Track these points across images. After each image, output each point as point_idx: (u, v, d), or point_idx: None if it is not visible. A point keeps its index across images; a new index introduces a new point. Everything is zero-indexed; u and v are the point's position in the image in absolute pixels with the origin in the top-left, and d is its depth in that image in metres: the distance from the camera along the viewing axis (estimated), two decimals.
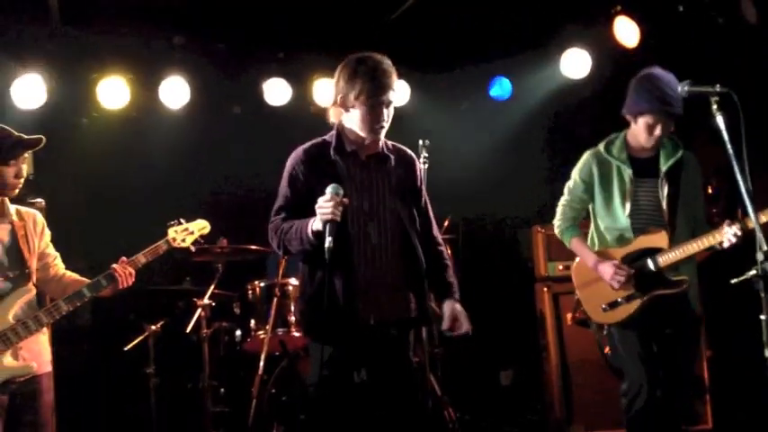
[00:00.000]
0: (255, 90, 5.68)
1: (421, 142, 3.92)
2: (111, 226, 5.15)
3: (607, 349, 3.79)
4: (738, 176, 2.52)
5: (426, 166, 3.99)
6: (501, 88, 5.98)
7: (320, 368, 2.91)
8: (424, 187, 3.17)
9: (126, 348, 4.62)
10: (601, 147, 3.73)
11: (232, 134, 5.77)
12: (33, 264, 3.23)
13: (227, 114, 5.87)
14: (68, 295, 3.20)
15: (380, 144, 3.02)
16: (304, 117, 5.61)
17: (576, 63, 5.53)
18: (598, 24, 5.27)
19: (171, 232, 3.41)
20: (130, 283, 3.27)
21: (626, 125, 3.68)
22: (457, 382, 4.92)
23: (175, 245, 3.40)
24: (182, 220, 3.44)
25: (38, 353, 3.18)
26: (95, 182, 5.40)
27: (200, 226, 3.50)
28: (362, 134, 2.94)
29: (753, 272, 2.48)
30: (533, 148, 5.86)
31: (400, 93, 2.95)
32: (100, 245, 4.94)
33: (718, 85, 2.63)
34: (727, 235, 3.39)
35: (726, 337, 4.88)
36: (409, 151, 3.16)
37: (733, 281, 2.57)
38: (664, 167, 3.61)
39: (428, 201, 3.18)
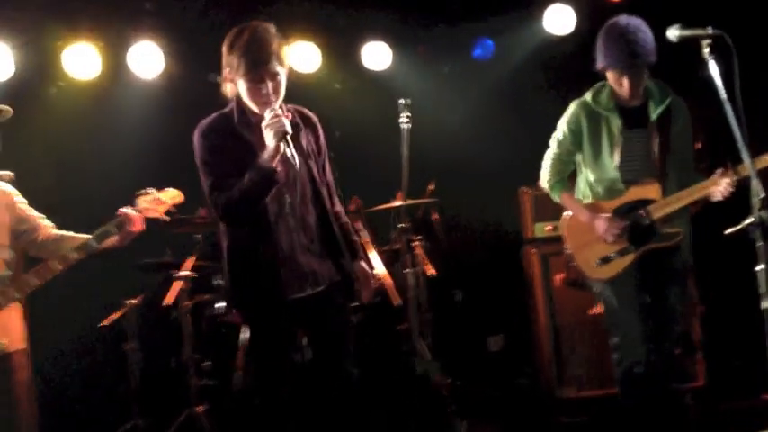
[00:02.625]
0: None
1: (402, 101, 3.83)
2: (82, 198, 5.01)
3: (600, 306, 3.74)
4: (733, 124, 2.41)
5: (409, 126, 3.91)
6: (483, 49, 5.85)
7: (260, 343, 2.95)
8: (326, 147, 3.12)
9: (102, 324, 4.48)
10: (588, 97, 3.63)
11: (209, 103, 5.58)
12: (4, 237, 3.09)
13: (204, 82, 5.68)
14: (36, 267, 3.07)
15: (292, 116, 2.93)
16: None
17: (559, 18, 5.39)
18: None
19: (141, 202, 3.30)
20: (141, 228, 3.20)
21: None
22: (446, 347, 4.85)
23: (147, 215, 3.29)
24: (151, 190, 3.33)
25: (10, 329, 3.08)
26: (65, 154, 5.24)
27: (172, 195, 3.40)
28: (251, 107, 2.88)
29: (749, 220, 2.38)
30: (518, 108, 5.74)
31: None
32: (71, 218, 4.80)
33: (709, 28, 2.51)
34: (721, 185, 3.31)
35: (717, 291, 4.84)
36: (311, 114, 3.11)
37: (728, 231, 2.47)
38: (653, 116, 3.53)
39: (329, 160, 3.15)
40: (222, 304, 4.71)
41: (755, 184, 2.37)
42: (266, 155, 2.78)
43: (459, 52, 5.86)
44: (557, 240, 4.56)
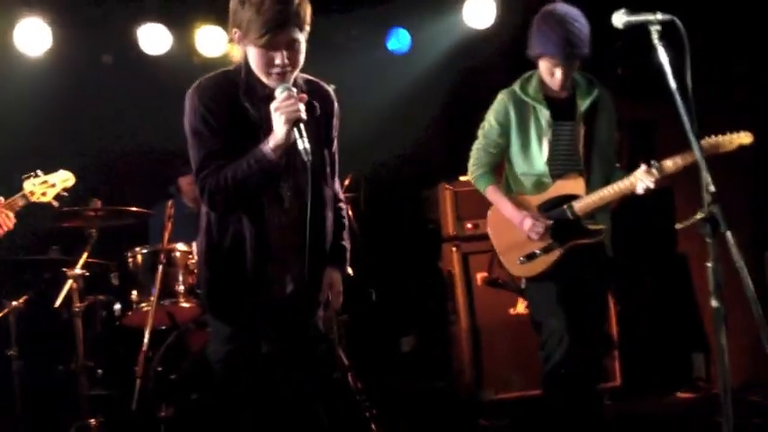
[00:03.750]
0: (129, 37, 5.12)
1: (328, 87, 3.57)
2: None
3: (524, 306, 3.64)
4: (684, 116, 2.31)
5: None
6: (399, 41, 5.68)
7: (226, 343, 2.55)
8: (336, 132, 2.68)
9: None
10: (516, 87, 3.53)
11: (103, 85, 5.21)
12: None
13: (96, 63, 5.28)
14: None
15: (305, 95, 2.45)
16: (189, 68, 5.12)
17: (479, 12, 5.28)
18: None
19: (27, 185, 2.98)
20: (10, 226, 2.88)
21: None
22: (358, 349, 4.65)
23: (34, 199, 2.98)
24: (39, 172, 3.01)
25: None
26: None
27: (63, 177, 3.09)
28: (262, 78, 2.44)
29: (699, 215, 2.28)
30: (436, 104, 5.62)
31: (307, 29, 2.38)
32: None
33: (659, 13, 2.40)
34: (644, 180, 3.26)
35: (631, 289, 4.88)
36: (328, 87, 2.66)
37: (678, 225, 2.36)
38: (581, 109, 3.46)
39: (335, 147, 2.70)
40: (118, 306, 4.33)
41: (706, 177, 2.27)
42: (272, 142, 2.35)
43: (376, 42, 5.65)
44: (478, 238, 4.50)
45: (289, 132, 2.32)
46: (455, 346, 4.77)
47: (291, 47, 2.37)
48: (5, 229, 2.86)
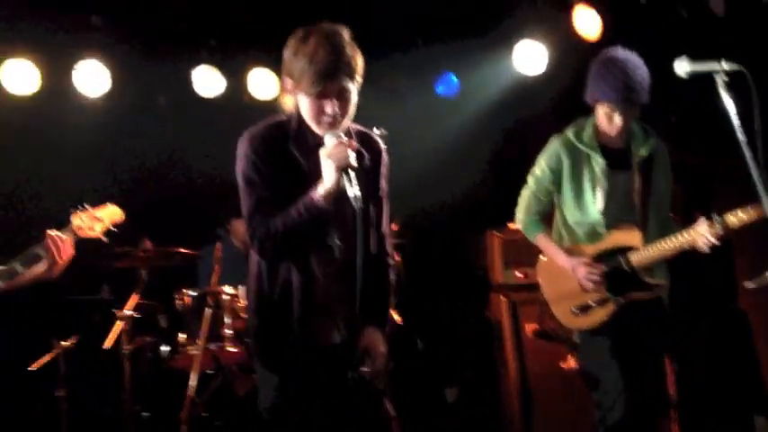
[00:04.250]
0: (184, 79, 5.21)
1: (376, 131, 3.56)
2: (18, 222, 4.72)
3: (576, 360, 3.53)
4: (753, 169, 2.23)
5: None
6: (447, 85, 5.69)
7: (273, 391, 2.51)
8: (385, 182, 2.64)
9: (32, 368, 4.05)
10: (570, 133, 3.45)
11: (157, 126, 5.30)
12: None
13: (151, 105, 5.39)
14: None
15: (355, 144, 2.46)
16: (240, 109, 5.19)
17: (530, 57, 5.27)
18: (553, 14, 5.03)
19: (76, 221, 2.88)
20: (70, 253, 2.77)
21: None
22: (403, 398, 4.57)
23: (82, 234, 2.87)
24: (87, 206, 2.93)
25: None
26: (1, 174, 4.84)
27: (111, 212, 2.99)
28: (313, 128, 2.45)
29: None
30: (485, 149, 5.58)
31: (359, 80, 2.36)
32: (6, 241, 4.46)
33: (724, 62, 2.34)
34: (705, 236, 3.15)
35: (689, 346, 4.72)
36: (378, 138, 2.64)
37: (748, 284, 2.27)
38: (636, 158, 3.39)
39: (387, 204, 2.68)
40: (167, 348, 4.33)
41: None
42: (322, 190, 2.36)
43: (425, 87, 5.67)
44: (527, 288, 4.41)
45: (338, 179, 2.33)
46: (503, 399, 4.67)
47: (342, 96, 2.39)
48: (67, 256, 2.76)
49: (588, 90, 3.36)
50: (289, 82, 2.43)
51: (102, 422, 4.33)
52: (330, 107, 2.38)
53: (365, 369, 2.59)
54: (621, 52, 3.31)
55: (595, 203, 3.36)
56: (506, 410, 4.65)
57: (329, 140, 2.36)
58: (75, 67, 4.91)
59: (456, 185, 5.53)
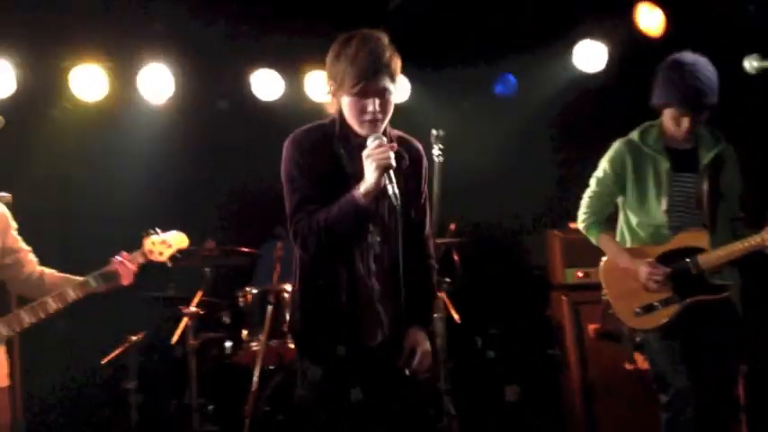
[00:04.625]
0: (243, 82, 5.31)
1: (434, 132, 3.58)
2: (83, 225, 4.82)
3: (641, 361, 3.48)
4: None
5: (441, 159, 3.66)
6: (505, 85, 5.67)
7: (315, 386, 2.58)
8: (425, 186, 2.74)
9: (103, 362, 4.19)
10: (635, 135, 3.45)
11: (218, 129, 5.41)
12: None
13: (212, 108, 5.50)
14: (31, 304, 2.84)
15: (395, 146, 2.56)
16: (298, 113, 5.25)
17: (590, 55, 5.22)
18: (615, 12, 4.97)
19: (147, 243, 3.13)
20: (131, 280, 3.06)
21: (651, 119, 3.42)
22: (463, 397, 4.57)
23: (152, 257, 3.13)
24: (158, 231, 3.15)
25: None
26: (68, 178, 5.05)
27: (179, 239, 3.22)
28: (354, 127, 2.55)
29: None
30: (543, 149, 5.55)
31: (400, 79, 2.51)
32: (71, 244, 4.61)
33: None
34: None
35: (759, 347, 4.59)
36: (417, 143, 2.73)
37: None
38: (704, 161, 3.36)
39: (429, 203, 2.77)
40: (230, 343, 4.42)
41: None
42: (363, 188, 2.45)
43: (482, 87, 5.66)
44: (588, 287, 4.38)
45: (379, 178, 2.43)
46: (565, 400, 4.62)
47: (382, 95, 2.49)
48: (127, 283, 3.04)
49: (656, 95, 3.35)
50: (332, 84, 2.54)
51: (168, 414, 4.43)
52: (372, 106, 2.47)
53: (411, 368, 2.61)
54: (689, 55, 3.30)
55: (660, 205, 3.34)
56: (568, 410, 4.60)
57: (371, 142, 2.46)
58: (140, 72, 5.00)
59: (515, 185, 5.50)
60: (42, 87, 4.90)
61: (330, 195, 2.49)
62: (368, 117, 2.49)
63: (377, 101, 2.48)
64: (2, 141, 3.23)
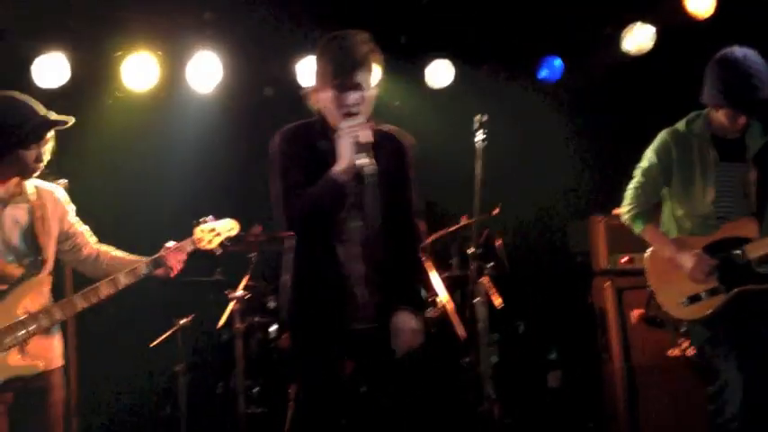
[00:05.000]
0: (289, 71, 5.36)
1: (477, 117, 3.61)
2: (135, 210, 4.93)
3: (690, 349, 3.44)
4: None
5: (485, 143, 3.68)
6: (550, 69, 5.60)
7: (305, 364, 2.77)
8: (412, 172, 2.87)
9: (152, 344, 4.33)
10: (680, 125, 3.41)
11: (264, 116, 5.47)
12: (50, 250, 2.96)
13: (259, 95, 5.57)
14: (84, 290, 2.93)
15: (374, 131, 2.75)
16: None
17: (638, 38, 5.13)
18: None
19: (197, 232, 3.18)
20: (180, 268, 3.12)
21: (697, 103, 3.35)
22: (505, 382, 4.58)
23: (201, 246, 3.17)
24: (208, 219, 3.20)
25: (47, 348, 2.90)
26: (120, 165, 5.16)
27: (228, 227, 3.25)
28: (336, 120, 2.70)
29: None
30: (588, 134, 5.48)
31: (376, 74, 2.70)
32: (124, 230, 4.72)
33: None
34: None
35: None
36: (401, 135, 2.89)
37: None
38: (753, 150, 3.30)
39: (415, 190, 2.88)
40: (275, 327, 4.51)
41: None
42: (339, 165, 2.64)
43: (527, 72, 5.61)
44: (632, 273, 4.34)
45: (352, 154, 2.59)
46: (607, 387, 4.60)
47: (359, 88, 2.66)
48: (176, 272, 3.10)
49: (708, 93, 3.29)
50: (316, 81, 2.74)
51: (215, 396, 4.55)
52: (350, 98, 2.65)
53: (396, 348, 2.73)
54: (739, 51, 3.24)
55: (706, 195, 3.30)
56: (610, 396, 4.57)
57: (345, 123, 2.64)
58: (189, 61, 5.06)
59: (559, 170, 5.46)
60: (94, 76, 5.01)
61: (314, 182, 2.65)
62: (346, 110, 2.65)
63: (355, 94, 2.65)
64: (58, 129, 3.32)
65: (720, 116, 3.30)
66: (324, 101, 2.73)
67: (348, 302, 2.70)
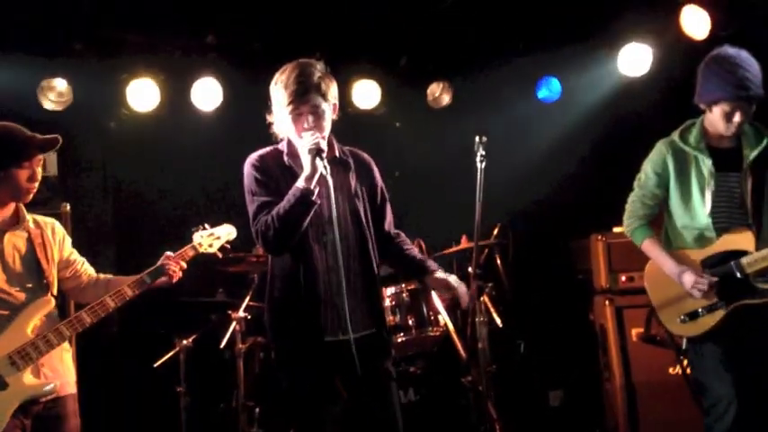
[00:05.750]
0: None
1: (477, 138, 3.64)
2: (139, 231, 5.00)
3: (687, 365, 3.44)
4: None
5: (484, 164, 3.71)
6: (549, 89, 5.65)
7: (289, 382, 2.87)
8: (382, 189, 3.09)
9: (156, 365, 4.34)
10: (675, 136, 3.40)
11: (266, 139, 5.51)
12: (52, 274, 3.01)
13: (262, 118, 5.61)
14: (91, 305, 2.96)
15: (335, 149, 2.96)
16: (343, 121, 5.32)
17: (635, 59, 5.17)
18: (660, 15, 4.92)
19: (196, 237, 3.25)
20: (180, 275, 3.16)
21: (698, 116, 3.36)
22: (506, 401, 4.58)
23: (202, 250, 3.23)
24: (206, 225, 3.29)
25: (61, 373, 2.95)
26: (124, 186, 5.23)
27: (227, 231, 3.32)
28: (297, 142, 2.89)
29: None
30: (587, 153, 5.52)
31: (330, 96, 2.87)
32: (128, 250, 4.76)
33: None
34: None
35: None
36: (365, 155, 3.11)
37: None
38: (748, 159, 3.29)
39: (387, 201, 3.12)
40: None
41: None
42: (302, 174, 2.79)
43: (526, 91, 5.66)
44: (632, 292, 4.35)
45: (313, 160, 2.75)
46: (608, 405, 4.60)
47: (315, 112, 2.83)
48: (176, 279, 3.14)
49: (701, 92, 3.29)
50: (275, 109, 2.91)
51: (217, 416, 4.55)
52: (306, 122, 2.82)
53: (460, 298, 3.00)
54: (731, 49, 3.26)
55: (704, 206, 3.29)
56: (611, 415, 4.57)
57: (303, 136, 2.82)
58: (191, 83, 5.11)
59: (559, 189, 5.49)
60: (100, 100, 5.07)
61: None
62: (305, 133, 2.81)
63: (310, 117, 2.81)
64: (61, 153, 3.37)
65: (715, 117, 3.28)
66: (285, 126, 2.91)
67: (329, 313, 2.81)
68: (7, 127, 2.92)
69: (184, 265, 3.16)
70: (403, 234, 3.13)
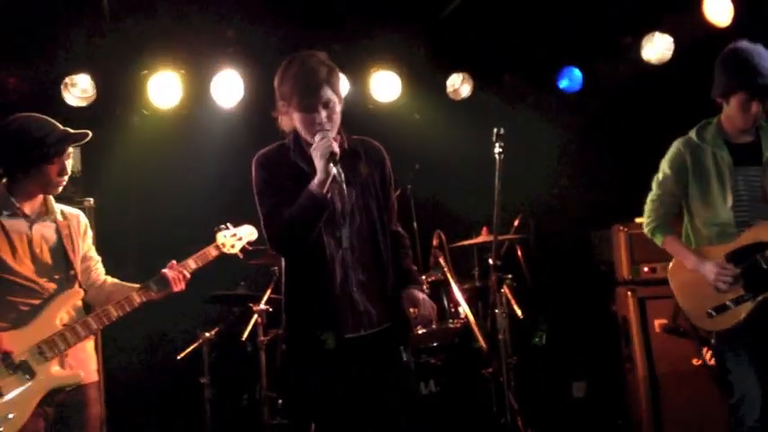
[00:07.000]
0: None
1: (495, 130, 3.64)
2: (161, 227, 5.00)
3: (712, 360, 3.41)
4: None
5: (502, 156, 3.71)
6: (570, 79, 5.61)
7: (303, 377, 2.80)
8: (392, 181, 2.97)
9: (179, 357, 4.39)
10: (692, 133, 3.40)
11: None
12: (78, 265, 3.05)
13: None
14: (119, 300, 3.00)
15: (344, 141, 2.84)
16: (363, 113, 5.34)
17: (657, 48, 5.12)
18: (683, 3, 4.87)
19: (219, 237, 3.28)
20: (183, 287, 3.15)
21: (717, 113, 3.35)
22: (528, 393, 4.57)
23: (224, 250, 3.27)
24: (229, 225, 3.31)
25: (84, 361, 2.99)
26: (146, 181, 5.25)
27: (248, 232, 3.36)
28: (307, 138, 2.78)
29: None
30: (609, 143, 5.47)
31: (341, 88, 2.77)
32: (150, 246, 4.80)
33: None
34: None
35: None
36: (377, 145, 2.98)
37: None
38: (767, 153, 3.27)
39: (393, 190, 3.02)
40: None
41: None
42: (316, 179, 2.69)
43: (546, 82, 5.62)
44: (654, 283, 4.31)
45: (326, 165, 2.65)
46: (631, 396, 4.58)
47: (327, 106, 2.73)
48: (178, 289, 3.13)
49: (719, 84, 3.29)
50: (282, 104, 2.80)
51: (240, 407, 4.59)
52: (319, 117, 2.72)
53: (415, 319, 2.86)
54: (746, 43, 3.25)
55: (725, 201, 3.27)
56: (634, 406, 4.55)
57: (316, 138, 2.71)
58: (212, 78, 5.12)
59: (580, 180, 5.46)
60: (122, 95, 5.10)
61: (295, 200, 2.71)
62: (317, 128, 2.71)
63: (323, 112, 2.72)
64: (84, 148, 3.41)
65: (732, 109, 3.28)
66: (294, 122, 2.81)
67: (347, 310, 2.75)
68: (40, 120, 2.96)
69: (188, 275, 3.16)
70: (402, 233, 3.03)
